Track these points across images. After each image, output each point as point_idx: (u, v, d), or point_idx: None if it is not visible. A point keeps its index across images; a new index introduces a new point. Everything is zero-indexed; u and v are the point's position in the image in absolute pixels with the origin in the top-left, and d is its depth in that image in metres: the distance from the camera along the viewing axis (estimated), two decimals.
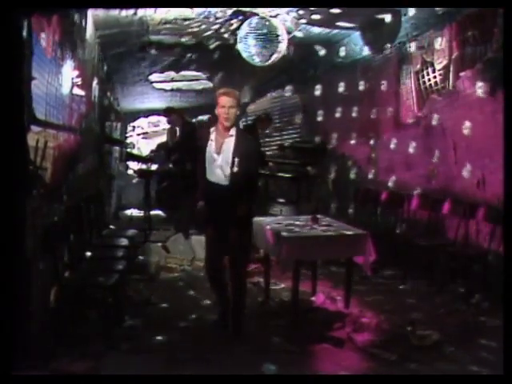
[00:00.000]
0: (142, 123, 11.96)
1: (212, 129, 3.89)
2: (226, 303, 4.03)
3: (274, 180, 8.48)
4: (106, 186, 7.79)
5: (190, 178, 5.17)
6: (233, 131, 3.83)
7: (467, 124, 4.95)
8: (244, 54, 5.62)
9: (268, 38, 5.43)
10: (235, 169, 3.75)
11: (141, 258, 5.85)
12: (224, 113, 3.74)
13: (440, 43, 5.34)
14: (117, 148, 9.58)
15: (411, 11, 5.53)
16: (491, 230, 4.62)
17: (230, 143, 3.79)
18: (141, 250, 5.94)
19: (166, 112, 8.13)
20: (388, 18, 5.84)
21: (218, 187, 3.82)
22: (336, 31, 6.54)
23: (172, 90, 9.26)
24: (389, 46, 6.17)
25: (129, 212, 9.49)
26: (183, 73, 8.39)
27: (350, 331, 3.95)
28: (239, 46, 5.58)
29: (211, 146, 3.82)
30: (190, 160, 5.42)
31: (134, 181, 9.22)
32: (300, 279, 4.23)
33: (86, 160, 5.48)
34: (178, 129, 7.87)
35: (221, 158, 3.79)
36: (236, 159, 3.75)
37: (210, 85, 9.20)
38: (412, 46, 5.77)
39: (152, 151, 9.22)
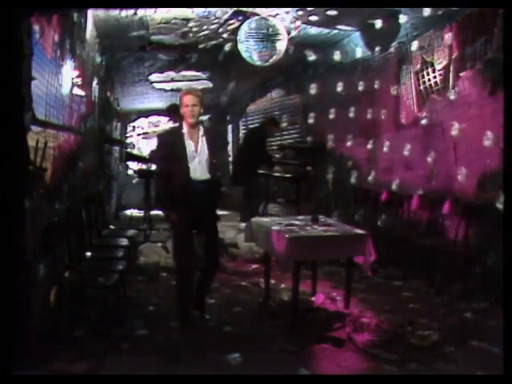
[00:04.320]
0: (142, 123, 11.97)
1: (183, 130, 4.13)
2: (188, 303, 4.23)
3: (274, 180, 8.49)
4: (106, 185, 7.79)
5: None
6: (201, 130, 4.18)
7: (466, 126, 4.97)
8: (244, 54, 5.63)
9: (268, 38, 5.44)
10: (213, 162, 4.17)
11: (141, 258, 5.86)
12: (188, 111, 4.06)
13: (440, 43, 5.35)
14: (117, 148, 9.57)
15: (411, 13, 5.55)
16: (491, 230, 4.62)
17: (203, 141, 4.14)
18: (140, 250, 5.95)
19: (170, 109, 8.08)
20: (388, 18, 5.84)
21: (199, 183, 4.09)
22: (336, 31, 6.54)
23: (172, 90, 9.26)
24: (389, 46, 6.18)
25: (129, 212, 9.49)
26: (183, 73, 8.39)
27: (350, 331, 3.95)
28: (239, 46, 5.59)
29: (190, 145, 4.11)
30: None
31: (134, 181, 9.23)
32: (300, 279, 4.23)
33: (86, 160, 5.48)
34: None
35: (200, 156, 4.11)
36: (211, 154, 4.16)
37: (210, 85, 9.21)
38: (412, 46, 5.78)
39: (152, 151, 9.22)
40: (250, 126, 10.38)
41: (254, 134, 8.26)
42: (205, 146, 4.13)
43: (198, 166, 4.09)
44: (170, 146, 4.17)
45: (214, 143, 4.35)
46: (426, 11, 5.31)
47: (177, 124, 4.46)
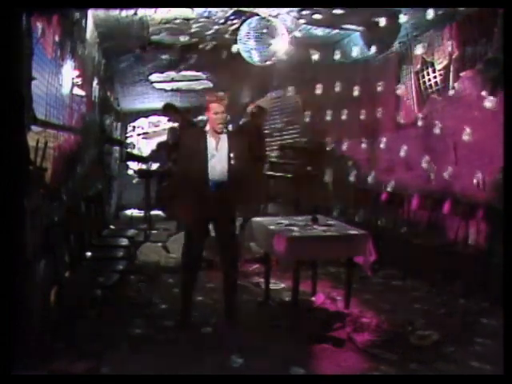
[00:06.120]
0: (142, 123, 11.94)
1: (206, 128, 4.11)
2: (190, 303, 4.21)
3: (274, 180, 8.49)
4: (106, 185, 7.78)
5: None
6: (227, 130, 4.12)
7: (466, 126, 4.96)
8: (244, 54, 5.62)
9: (268, 38, 5.43)
10: (232, 163, 4.03)
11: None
12: (218, 119, 3.99)
13: (440, 43, 5.35)
14: (117, 148, 9.57)
15: (411, 13, 5.54)
16: (491, 230, 4.62)
17: (224, 140, 4.06)
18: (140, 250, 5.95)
19: (165, 109, 8.06)
20: (388, 18, 5.84)
21: (216, 183, 4.01)
22: (336, 31, 6.54)
23: (172, 90, 9.26)
24: (389, 45, 6.18)
25: (129, 212, 9.49)
26: (183, 73, 8.38)
27: (350, 331, 3.95)
28: (239, 46, 5.58)
29: (211, 143, 4.04)
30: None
31: (134, 181, 9.22)
32: (300, 279, 4.23)
33: (86, 160, 5.48)
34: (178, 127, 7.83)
35: (220, 155, 4.02)
36: (231, 154, 4.03)
37: (210, 85, 9.20)
38: (412, 46, 5.78)
39: (152, 151, 9.21)
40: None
41: (245, 129, 7.86)
42: (225, 147, 4.03)
43: (217, 166, 4.00)
44: (190, 145, 4.12)
45: (236, 143, 4.10)
46: (427, 11, 5.32)
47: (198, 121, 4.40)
